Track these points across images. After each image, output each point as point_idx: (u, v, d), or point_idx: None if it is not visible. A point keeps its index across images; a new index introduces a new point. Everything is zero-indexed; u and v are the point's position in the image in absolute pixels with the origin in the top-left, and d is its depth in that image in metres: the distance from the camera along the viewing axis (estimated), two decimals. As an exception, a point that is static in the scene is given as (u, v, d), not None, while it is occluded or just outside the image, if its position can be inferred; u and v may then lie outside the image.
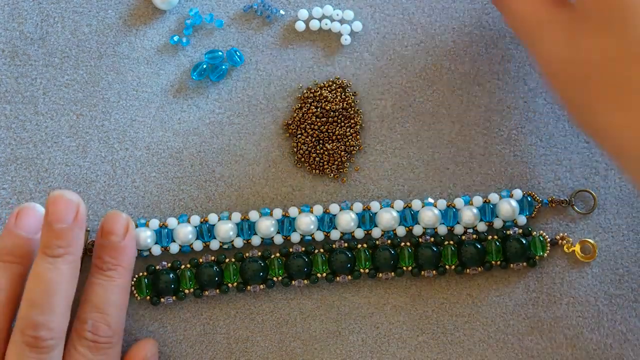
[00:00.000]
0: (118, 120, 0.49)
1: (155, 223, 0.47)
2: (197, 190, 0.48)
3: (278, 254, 0.47)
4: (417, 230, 0.47)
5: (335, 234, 0.47)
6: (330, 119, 0.48)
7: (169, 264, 0.47)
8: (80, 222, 0.42)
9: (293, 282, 0.47)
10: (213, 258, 0.47)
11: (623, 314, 0.47)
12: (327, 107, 0.48)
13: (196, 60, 0.49)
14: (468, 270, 0.47)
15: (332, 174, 0.48)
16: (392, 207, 0.47)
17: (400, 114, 0.49)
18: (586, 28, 0.39)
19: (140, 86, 0.49)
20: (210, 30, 0.50)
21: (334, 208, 0.47)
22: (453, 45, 0.50)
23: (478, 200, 0.47)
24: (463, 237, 0.47)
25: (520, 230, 0.47)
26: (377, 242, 0.47)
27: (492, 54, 0.49)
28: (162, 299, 0.47)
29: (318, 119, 0.48)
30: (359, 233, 0.47)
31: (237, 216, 0.47)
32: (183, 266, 0.47)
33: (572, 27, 0.39)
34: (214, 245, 0.47)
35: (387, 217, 0.47)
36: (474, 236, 0.47)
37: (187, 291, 0.47)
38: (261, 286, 0.47)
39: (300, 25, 0.50)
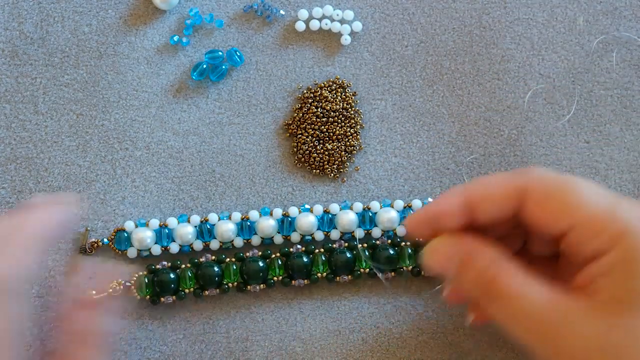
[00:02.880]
0: (118, 120, 0.49)
1: (155, 223, 0.47)
2: (197, 190, 0.48)
3: (278, 254, 0.47)
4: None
5: (335, 234, 0.47)
6: (330, 119, 0.48)
7: (169, 264, 0.47)
8: None
9: (293, 282, 0.47)
10: (213, 258, 0.47)
11: (623, 314, 0.47)
12: (327, 107, 0.48)
13: (196, 60, 0.50)
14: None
15: (332, 174, 0.48)
16: (393, 207, 0.47)
17: (401, 114, 0.49)
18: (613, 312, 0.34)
19: (140, 86, 0.49)
20: (211, 30, 0.50)
21: (334, 208, 0.47)
22: (453, 45, 0.50)
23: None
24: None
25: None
26: (378, 242, 0.47)
27: (492, 54, 0.49)
28: (162, 299, 0.46)
29: (318, 119, 0.48)
30: (360, 233, 0.47)
31: (237, 216, 0.47)
32: (183, 266, 0.47)
33: (597, 314, 0.34)
34: (214, 245, 0.47)
35: (388, 217, 0.47)
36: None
37: (187, 291, 0.46)
38: (261, 286, 0.47)
39: (300, 26, 0.50)
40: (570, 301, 0.34)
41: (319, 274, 0.47)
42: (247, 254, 0.47)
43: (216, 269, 0.46)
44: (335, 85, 0.49)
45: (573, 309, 0.34)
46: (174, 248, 0.47)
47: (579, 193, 0.35)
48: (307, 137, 0.48)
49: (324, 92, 0.49)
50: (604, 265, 0.34)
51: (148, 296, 0.47)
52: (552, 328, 0.34)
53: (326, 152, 0.48)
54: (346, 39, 0.49)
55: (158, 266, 0.47)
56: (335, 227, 0.47)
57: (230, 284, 0.47)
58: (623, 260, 0.33)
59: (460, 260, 0.36)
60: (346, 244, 0.47)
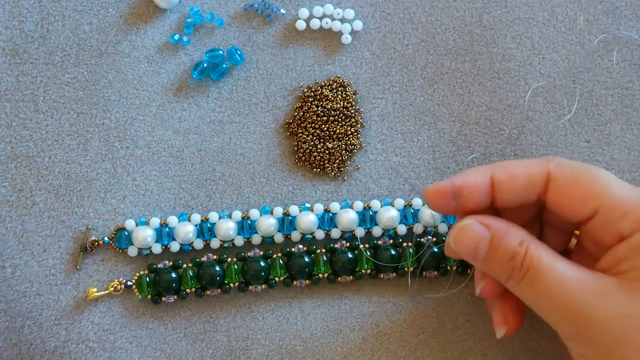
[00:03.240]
0: (118, 118, 0.49)
1: (155, 221, 0.47)
2: (198, 188, 0.48)
3: (280, 254, 0.47)
4: (418, 228, 0.47)
5: (335, 233, 0.47)
6: (330, 117, 0.48)
7: (171, 263, 0.47)
8: None
9: (295, 282, 0.47)
10: (215, 257, 0.47)
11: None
12: (328, 106, 0.48)
13: (197, 58, 0.50)
14: (469, 270, 0.47)
15: (332, 173, 0.48)
16: (393, 206, 0.47)
17: (401, 113, 0.49)
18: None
19: (141, 85, 0.49)
20: (211, 29, 0.50)
21: (334, 207, 0.47)
22: (454, 44, 0.50)
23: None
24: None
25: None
26: (379, 242, 0.47)
27: (493, 53, 0.50)
28: (163, 298, 0.47)
29: (319, 118, 0.48)
30: (360, 231, 0.47)
31: (237, 215, 0.47)
32: (185, 265, 0.47)
33: (631, 292, 0.34)
34: (215, 243, 0.47)
35: (388, 216, 0.47)
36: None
37: (188, 290, 0.46)
38: (263, 286, 0.47)
39: (300, 24, 0.50)
40: (600, 280, 0.35)
41: (321, 275, 0.47)
42: (249, 253, 0.47)
43: (217, 269, 0.46)
44: (335, 84, 0.49)
45: (605, 287, 0.34)
46: (175, 247, 0.47)
47: (603, 178, 0.36)
48: (308, 136, 0.48)
49: (324, 91, 0.49)
50: (630, 247, 0.35)
51: (149, 295, 0.47)
52: (583, 305, 0.34)
53: (327, 151, 0.48)
54: (347, 38, 0.49)
55: (159, 266, 0.47)
56: (335, 226, 0.47)
57: (231, 284, 0.47)
58: None
59: (490, 241, 0.37)
60: (347, 244, 0.47)
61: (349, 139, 0.48)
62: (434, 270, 0.47)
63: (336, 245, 0.47)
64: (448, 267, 0.47)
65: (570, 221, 0.38)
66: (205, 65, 0.49)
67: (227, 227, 0.47)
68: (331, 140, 0.48)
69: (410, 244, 0.47)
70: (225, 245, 0.47)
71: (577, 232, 0.42)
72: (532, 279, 0.36)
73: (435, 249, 0.46)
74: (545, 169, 0.37)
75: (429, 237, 0.47)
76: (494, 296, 0.41)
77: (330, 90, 0.49)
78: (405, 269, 0.47)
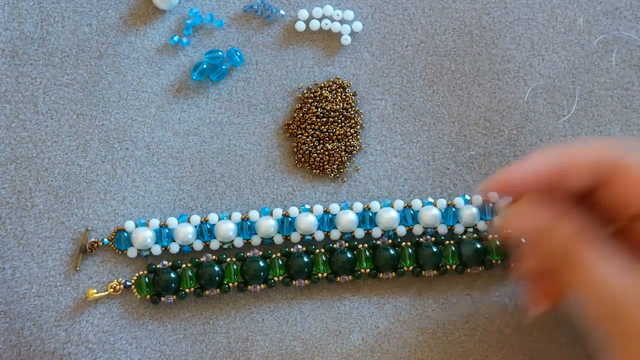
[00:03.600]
0: (118, 119, 0.49)
1: (155, 223, 0.47)
2: (197, 190, 0.48)
3: (279, 254, 0.47)
4: (418, 229, 0.47)
5: (335, 234, 0.47)
6: (330, 119, 0.48)
7: (170, 263, 0.47)
8: None
9: (294, 282, 0.47)
10: (214, 257, 0.47)
11: (623, 314, 0.47)
12: (328, 107, 0.48)
13: (196, 60, 0.50)
14: (469, 269, 0.47)
15: (332, 174, 0.48)
16: (393, 207, 0.47)
17: (401, 114, 0.49)
18: None
19: (141, 86, 0.49)
20: (211, 30, 0.50)
21: (334, 208, 0.47)
22: (453, 45, 0.50)
23: (477, 199, 0.47)
24: (463, 237, 0.47)
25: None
26: (378, 242, 0.47)
27: (492, 54, 0.50)
28: (162, 298, 0.47)
29: (318, 119, 0.48)
30: (359, 233, 0.47)
31: (237, 216, 0.47)
32: (184, 265, 0.47)
33: None
34: (214, 245, 0.47)
35: (387, 217, 0.47)
36: (474, 235, 0.47)
37: (187, 290, 0.46)
38: (262, 286, 0.47)
39: (300, 26, 0.50)
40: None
41: (320, 274, 0.47)
42: (248, 253, 0.47)
43: (217, 268, 0.46)
44: (335, 85, 0.49)
45: None
46: (174, 248, 0.47)
47: None
48: (307, 137, 0.48)
49: (324, 92, 0.49)
50: None
51: (148, 296, 0.47)
52: (626, 306, 0.33)
53: (326, 152, 0.48)
54: (346, 39, 0.49)
55: (159, 266, 0.47)
56: (335, 227, 0.47)
57: (230, 284, 0.47)
58: None
59: (546, 224, 0.36)
60: (347, 244, 0.47)
61: (348, 140, 0.48)
62: (433, 270, 0.47)
63: (335, 245, 0.47)
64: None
65: (625, 214, 0.37)
66: (204, 66, 0.49)
67: (227, 229, 0.47)
68: (331, 141, 0.48)
69: (409, 243, 0.47)
70: (225, 246, 0.47)
71: None
72: (581, 269, 0.35)
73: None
74: (616, 159, 0.36)
75: (427, 237, 0.47)
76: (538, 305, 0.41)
77: (329, 92, 0.49)
78: (406, 268, 0.47)
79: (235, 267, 0.47)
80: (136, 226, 0.47)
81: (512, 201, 0.39)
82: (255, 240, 0.47)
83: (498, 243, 0.47)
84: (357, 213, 0.47)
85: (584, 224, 0.36)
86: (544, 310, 0.41)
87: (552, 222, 0.36)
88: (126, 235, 0.47)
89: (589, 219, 0.37)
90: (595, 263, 0.35)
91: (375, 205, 0.47)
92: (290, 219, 0.47)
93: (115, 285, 0.47)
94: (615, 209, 0.37)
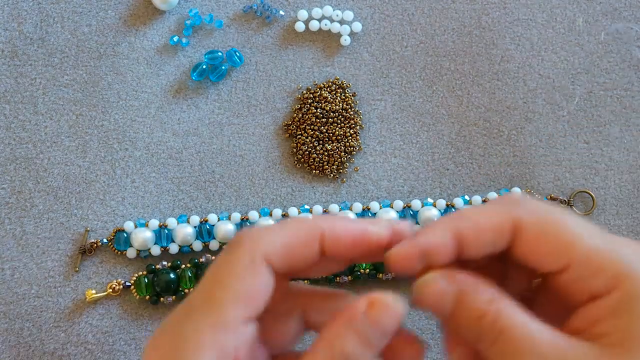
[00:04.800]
0: (117, 120, 0.49)
1: (154, 223, 0.47)
2: (197, 190, 0.48)
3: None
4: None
5: (335, 234, 0.47)
6: (329, 119, 0.48)
7: (169, 264, 0.47)
8: None
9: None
10: (214, 258, 0.47)
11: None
12: (327, 108, 0.48)
13: (196, 60, 0.50)
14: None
15: (331, 175, 0.48)
16: (392, 207, 0.47)
17: (400, 115, 0.49)
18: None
19: (140, 86, 0.49)
20: (210, 31, 0.50)
21: (333, 208, 0.47)
22: (453, 45, 0.50)
23: (477, 199, 0.47)
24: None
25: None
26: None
27: (492, 54, 0.49)
28: (161, 299, 0.46)
29: (318, 120, 0.48)
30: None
31: (236, 216, 0.47)
32: (184, 266, 0.47)
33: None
34: (214, 245, 0.47)
35: (387, 217, 0.47)
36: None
37: (187, 291, 0.46)
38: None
39: (299, 26, 0.50)
40: (580, 347, 0.32)
41: (319, 275, 0.47)
42: (247, 254, 0.47)
43: (216, 269, 0.46)
44: (334, 85, 0.49)
45: (581, 354, 0.32)
46: (174, 248, 0.47)
47: (575, 230, 0.33)
48: (307, 137, 0.48)
49: (323, 92, 0.49)
50: (606, 308, 0.32)
51: (148, 296, 0.46)
52: None
53: (326, 153, 0.48)
54: (346, 40, 0.49)
55: (158, 266, 0.47)
56: (334, 228, 0.47)
57: (229, 285, 0.47)
58: (627, 303, 0.32)
59: (456, 297, 0.34)
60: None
61: (348, 140, 0.48)
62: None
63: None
64: None
65: (538, 271, 0.35)
66: (204, 67, 0.49)
67: (226, 229, 0.47)
68: (330, 141, 0.48)
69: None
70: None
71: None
72: (505, 343, 0.33)
73: None
74: (513, 217, 0.34)
75: None
76: None
77: (329, 92, 0.49)
78: None
79: (234, 268, 0.46)
80: (135, 227, 0.47)
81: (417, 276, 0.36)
82: (255, 241, 0.47)
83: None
84: (356, 213, 0.47)
85: (501, 291, 0.34)
86: None
87: (465, 292, 0.34)
88: (125, 235, 0.47)
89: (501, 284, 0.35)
90: (523, 330, 0.33)
91: (374, 205, 0.47)
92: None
93: (114, 285, 0.47)
94: (530, 268, 0.35)
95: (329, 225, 0.34)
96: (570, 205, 0.48)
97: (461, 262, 0.36)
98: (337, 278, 0.47)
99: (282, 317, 0.37)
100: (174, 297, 0.46)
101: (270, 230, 0.34)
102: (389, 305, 0.33)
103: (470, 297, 0.34)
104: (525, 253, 0.34)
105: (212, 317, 0.32)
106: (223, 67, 0.49)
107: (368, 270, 0.47)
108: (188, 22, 0.49)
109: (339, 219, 0.34)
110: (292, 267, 0.34)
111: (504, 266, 0.38)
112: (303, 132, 0.48)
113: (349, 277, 0.47)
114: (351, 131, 0.48)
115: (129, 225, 0.47)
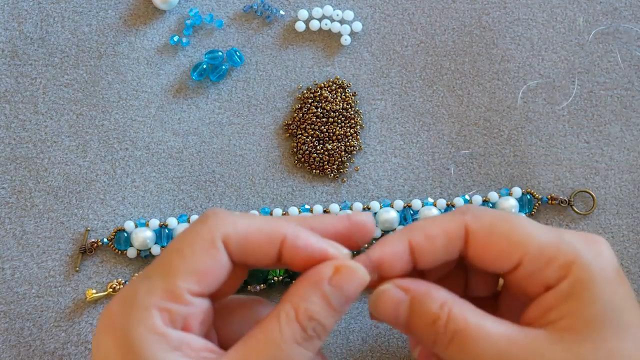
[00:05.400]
0: (118, 120, 0.49)
1: (155, 223, 0.47)
2: (197, 190, 0.48)
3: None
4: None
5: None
6: (330, 119, 0.48)
7: (169, 264, 0.47)
8: None
9: (293, 282, 0.47)
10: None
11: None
12: (327, 108, 0.48)
13: (196, 60, 0.50)
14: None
15: (332, 174, 0.48)
16: (392, 207, 0.47)
17: (400, 114, 0.49)
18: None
19: (140, 86, 0.49)
20: (210, 31, 0.50)
21: (333, 208, 0.47)
22: (453, 45, 0.50)
23: (477, 199, 0.47)
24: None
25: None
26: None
27: (492, 54, 0.50)
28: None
29: (318, 119, 0.49)
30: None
31: (237, 216, 0.47)
32: (183, 266, 0.47)
33: (561, 345, 0.33)
34: (214, 245, 0.47)
35: (387, 217, 0.47)
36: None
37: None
38: (262, 286, 0.47)
39: (300, 26, 0.50)
40: (531, 335, 0.33)
41: (319, 274, 0.47)
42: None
43: (216, 269, 0.46)
44: (335, 85, 0.49)
45: (537, 342, 0.33)
46: (174, 248, 0.47)
47: (523, 227, 0.35)
48: (307, 137, 0.48)
49: (323, 92, 0.49)
50: (558, 295, 0.33)
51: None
52: None
53: (326, 153, 0.48)
54: (346, 39, 0.49)
55: (158, 266, 0.47)
56: (335, 227, 0.47)
57: (230, 284, 0.47)
58: (576, 288, 0.33)
59: (409, 305, 0.35)
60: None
61: (348, 140, 0.48)
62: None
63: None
64: None
65: (494, 272, 0.36)
66: (204, 66, 0.49)
67: (227, 229, 0.47)
68: (330, 141, 0.48)
69: None
70: (225, 246, 0.47)
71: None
72: (460, 343, 0.33)
73: None
74: (462, 224, 0.35)
75: None
76: None
77: (329, 92, 0.49)
78: None
79: (234, 267, 0.46)
80: (136, 226, 0.47)
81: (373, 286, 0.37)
82: (255, 241, 0.47)
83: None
84: (356, 213, 0.47)
85: (452, 294, 0.35)
86: None
87: (417, 299, 0.35)
88: (126, 235, 0.47)
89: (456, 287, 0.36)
90: (476, 327, 0.33)
91: (375, 205, 0.47)
92: (290, 219, 0.47)
93: (115, 285, 0.47)
94: (485, 273, 0.36)
95: (292, 234, 0.34)
96: (571, 205, 0.48)
97: (421, 272, 0.37)
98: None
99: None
100: (174, 296, 0.46)
101: (238, 217, 0.35)
102: (354, 271, 0.34)
103: (423, 303, 0.34)
104: (478, 256, 0.35)
105: (165, 282, 0.33)
106: (223, 67, 0.49)
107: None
108: (188, 21, 0.49)
109: (304, 232, 0.35)
110: (247, 260, 0.34)
111: (466, 273, 0.39)
112: (303, 131, 0.48)
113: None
114: (351, 131, 0.49)
115: (129, 225, 0.47)
